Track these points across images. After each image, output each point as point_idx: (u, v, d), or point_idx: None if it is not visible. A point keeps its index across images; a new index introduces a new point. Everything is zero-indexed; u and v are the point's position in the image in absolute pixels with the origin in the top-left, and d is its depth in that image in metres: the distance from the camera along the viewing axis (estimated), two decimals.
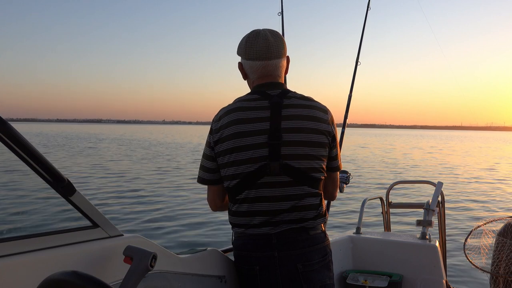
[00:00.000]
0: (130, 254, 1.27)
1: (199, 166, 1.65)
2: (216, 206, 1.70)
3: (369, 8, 3.32)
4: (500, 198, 12.14)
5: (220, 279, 1.78)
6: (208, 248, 1.87)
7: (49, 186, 1.25)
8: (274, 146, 1.47)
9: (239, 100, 1.57)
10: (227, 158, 1.52)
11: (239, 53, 1.62)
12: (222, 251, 1.93)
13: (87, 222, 1.37)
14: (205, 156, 1.61)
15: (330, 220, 4.73)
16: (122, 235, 1.44)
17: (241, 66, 1.64)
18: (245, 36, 1.60)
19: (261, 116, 1.50)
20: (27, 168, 1.19)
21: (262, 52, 1.55)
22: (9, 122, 1.08)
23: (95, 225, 1.37)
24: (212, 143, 1.57)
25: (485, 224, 3.12)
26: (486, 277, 3.29)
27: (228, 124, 1.51)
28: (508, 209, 10.29)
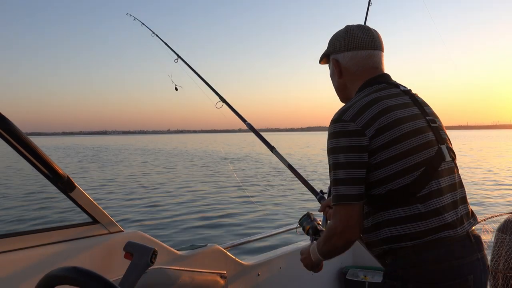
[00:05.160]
0: (131, 250, 1.27)
1: (334, 183, 1.25)
2: (361, 228, 1.28)
3: (370, 4, 3.28)
4: (500, 194, 12.14)
5: (220, 274, 1.78)
6: (208, 244, 1.87)
7: (49, 183, 1.26)
8: (436, 129, 1.32)
9: (369, 92, 1.32)
10: (398, 149, 1.22)
11: (335, 48, 1.43)
12: (222, 247, 1.93)
13: (87, 218, 1.38)
14: (350, 165, 1.23)
15: None
16: (122, 231, 1.45)
17: (336, 62, 1.43)
18: (336, 33, 1.43)
19: (406, 101, 1.32)
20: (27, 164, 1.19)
21: (373, 40, 1.39)
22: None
23: (95, 221, 1.37)
24: (364, 143, 1.23)
25: (484, 220, 3.12)
26: None
27: (380, 114, 1.25)
28: (508, 206, 10.29)
